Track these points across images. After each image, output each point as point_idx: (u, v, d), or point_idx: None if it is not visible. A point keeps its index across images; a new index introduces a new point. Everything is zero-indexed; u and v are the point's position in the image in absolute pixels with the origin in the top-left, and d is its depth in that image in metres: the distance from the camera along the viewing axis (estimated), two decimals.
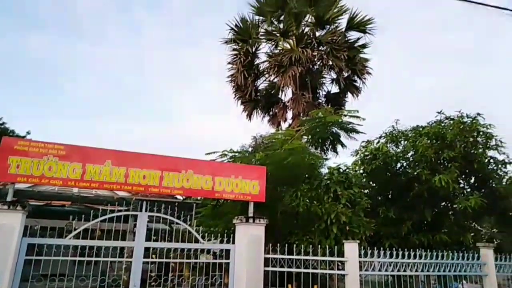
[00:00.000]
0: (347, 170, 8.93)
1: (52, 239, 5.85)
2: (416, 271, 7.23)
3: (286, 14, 14.17)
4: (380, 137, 10.59)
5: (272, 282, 6.69)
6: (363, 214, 8.21)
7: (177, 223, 6.69)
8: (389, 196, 10.37)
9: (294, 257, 6.75)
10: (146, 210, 6.39)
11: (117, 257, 6.21)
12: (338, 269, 6.86)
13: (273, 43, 14.84)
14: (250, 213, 6.93)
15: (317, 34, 14.49)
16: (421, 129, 10.15)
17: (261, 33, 14.92)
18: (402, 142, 10.42)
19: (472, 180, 10.25)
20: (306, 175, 8.93)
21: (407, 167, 10.03)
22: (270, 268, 6.66)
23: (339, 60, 13.58)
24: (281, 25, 14.62)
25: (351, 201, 8.16)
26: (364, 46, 14.51)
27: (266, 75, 15.37)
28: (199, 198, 9.73)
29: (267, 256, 6.72)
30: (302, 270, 6.69)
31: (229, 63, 15.17)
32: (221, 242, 6.77)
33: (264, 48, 15.16)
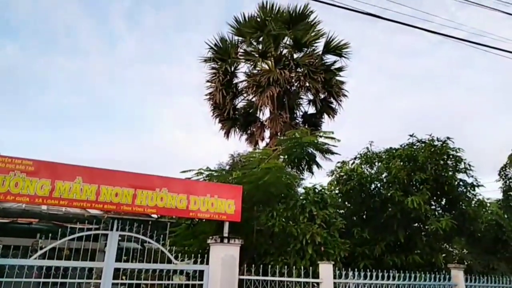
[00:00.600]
0: (323, 190, 9.00)
1: (14, 259, 5.54)
2: None
3: (265, 35, 14.45)
4: (355, 158, 10.80)
5: None
6: (338, 234, 8.24)
7: (149, 243, 6.51)
8: (364, 216, 10.49)
9: (269, 278, 6.66)
10: (117, 229, 6.17)
11: (85, 278, 5.94)
12: None
13: (251, 63, 15.06)
14: (225, 233, 6.83)
15: (295, 56, 14.82)
16: (394, 151, 10.42)
17: (240, 53, 15.14)
18: (376, 163, 10.65)
19: (443, 202, 10.54)
20: (282, 195, 8.93)
21: (381, 188, 10.22)
22: None
23: (316, 82, 13.89)
24: (260, 46, 14.89)
25: (326, 222, 8.19)
26: (340, 69, 14.93)
27: (245, 94, 15.52)
28: (173, 217, 9.52)
29: (242, 277, 6.59)
30: None
31: (207, 81, 15.27)
32: (195, 262, 6.61)
33: (243, 68, 15.39)
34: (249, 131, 15.79)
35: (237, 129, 15.82)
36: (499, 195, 14.29)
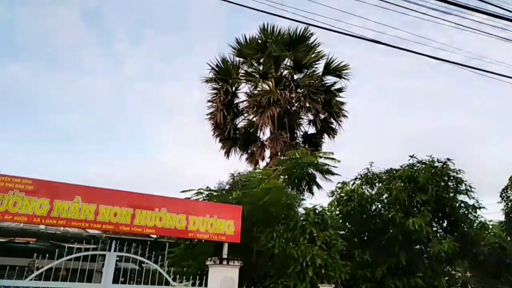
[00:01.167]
0: (323, 211, 8.93)
1: (10, 280, 5.47)
2: None
3: (265, 57, 14.67)
4: (355, 179, 10.75)
5: None
6: (339, 256, 8.12)
7: (147, 263, 6.42)
8: (365, 238, 10.37)
9: None
10: (115, 250, 6.11)
11: None
12: None
13: (252, 83, 15.23)
14: (224, 254, 6.76)
15: (295, 77, 15.00)
16: (394, 172, 10.39)
17: (241, 74, 15.34)
18: (377, 184, 10.60)
19: (445, 224, 10.44)
20: (283, 216, 8.86)
21: (381, 209, 10.14)
22: None
23: (316, 103, 14.00)
24: (261, 67, 15.09)
25: (327, 243, 8.09)
26: (340, 90, 15.09)
27: (245, 114, 15.64)
28: (172, 237, 9.42)
29: None
30: None
31: (209, 101, 15.42)
32: (193, 284, 6.50)
33: (244, 88, 15.57)
34: (249, 151, 15.81)
35: (237, 149, 15.85)
36: (501, 217, 14.17)
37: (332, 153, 10.49)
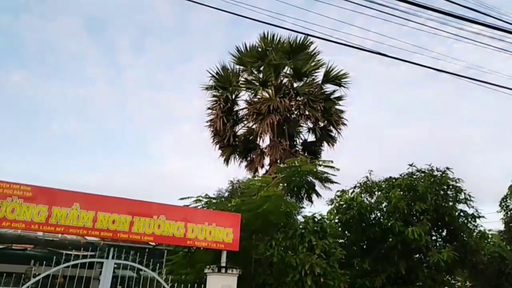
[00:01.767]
0: (322, 219, 8.90)
1: (6, 287, 5.44)
2: None
3: (265, 65, 14.75)
4: (354, 187, 10.72)
5: None
6: (338, 265, 8.07)
7: (145, 271, 6.39)
8: (364, 246, 10.32)
9: None
10: (113, 257, 6.10)
11: None
12: None
13: (252, 91, 15.28)
14: (223, 262, 6.73)
15: (295, 85, 15.06)
16: (394, 180, 10.37)
17: (241, 82, 15.40)
18: (376, 192, 10.57)
19: (444, 233, 10.39)
20: (282, 224, 8.83)
21: (381, 218, 10.10)
22: None
23: (315, 111, 14.04)
24: (261, 75, 15.16)
25: (326, 252, 8.05)
26: (339, 98, 15.14)
27: (245, 122, 15.66)
28: (171, 244, 9.38)
29: None
30: None
31: (208, 108, 15.46)
32: None
33: (244, 96, 15.62)
34: (249, 158, 15.81)
35: (237, 156, 15.85)
36: (501, 226, 14.12)
37: (332, 161, 10.51)
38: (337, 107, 15.07)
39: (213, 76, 15.27)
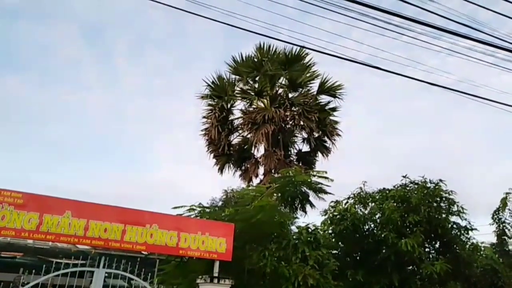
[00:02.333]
0: (316, 230, 8.89)
1: None
2: None
3: (261, 75, 14.85)
4: (348, 198, 10.73)
5: None
6: (331, 276, 8.04)
7: (136, 280, 6.32)
8: (358, 258, 10.29)
9: None
10: (104, 266, 6.03)
11: None
12: None
13: (247, 101, 15.35)
14: (216, 273, 6.67)
15: (290, 95, 15.16)
16: (387, 192, 10.40)
17: (236, 91, 15.47)
18: (370, 204, 10.59)
19: (437, 245, 10.40)
20: (275, 234, 8.79)
21: (374, 229, 10.10)
22: None
23: (310, 121, 14.12)
24: (256, 85, 15.25)
25: (319, 263, 8.01)
26: (334, 109, 15.25)
27: (240, 131, 15.69)
28: (163, 254, 9.29)
29: None
30: None
31: (204, 117, 15.50)
32: None
33: (239, 105, 15.68)
34: (243, 167, 15.80)
35: (231, 165, 15.84)
36: (493, 239, 14.15)
37: (326, 172, 10.52)
38: (331, 117, 15.16)
39: (209, 85, 15.33)
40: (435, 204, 9.75)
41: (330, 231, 10.15)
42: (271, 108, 14.19)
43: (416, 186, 10.20)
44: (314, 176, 10.64)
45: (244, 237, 8.26)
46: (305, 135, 15.43)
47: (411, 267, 9.87)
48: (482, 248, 10.61)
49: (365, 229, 10.24)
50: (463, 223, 10.07)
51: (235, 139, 15.88)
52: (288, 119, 14.73)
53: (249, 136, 15.01)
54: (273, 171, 13.70)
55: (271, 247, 8.18)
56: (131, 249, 6.37)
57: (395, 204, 9.82)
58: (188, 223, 7.13)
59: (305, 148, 15.73)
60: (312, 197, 11.37)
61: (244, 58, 15.46)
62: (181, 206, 8.91)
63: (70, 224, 5.83)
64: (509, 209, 13.33)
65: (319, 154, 15.53)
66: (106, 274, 6.06)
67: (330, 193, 11.04)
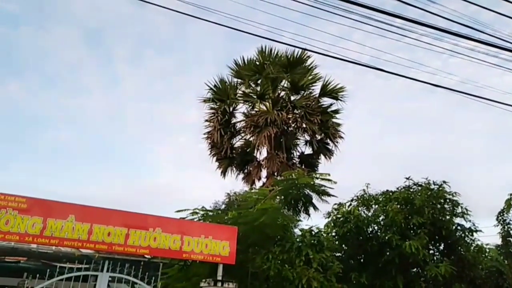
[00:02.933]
0: (320, 232, 8.87)
1: None
2: None
3: (263, 78, 14.88)
4: (351, 200, 10.70)
5: None
6: (335, 279, 8.01)
7: (140, 285, 6.31)
8: (361, 260, 10.24)
9: None
10: (107, 270, 6.03)
11: None
12: None
13: (250, 104, 15.38)
14: (219, 276, 6.66)
15: (292, 98, 15.17)
16: (391, 193, 10.35)
17: (238, 94, 15.50)
18: (373, 206, 10.55)
19: (442, 247, 10.33)
20: (278, 237, 8.78)
21: (378, 231, 10.05)
22: None
23: (312, 124, 14.11)
24: (258, 88, 15.28)
25: (323, 265, 7.99)
26: (336, 111, 15.25)
27: (242, 134, 15.72)
28: (166, 257, 9.29)
29: None
30: None
31: (206, 120, 15.52)
32: None
33: (241, 108, 15.71)
34: (246, 170, 15.81)
35: (234, 168, 15.85)
36: (498, 241, 14.06)
37: (329, 174, 10.51)
38: (334, 120, 15.16)
39: (211, 88, 15.37)
40: (439, 206, 9.69)
41: (333, 234, 10.11)
42: (273, 111, 14.21)
43: (419, 188, 10.16)
44: (317, 178, 10.63)
45: (247, 240, 8.25)
46: (308, 138, 15.43)
47: (415, 269, 9.81)
48: (487, 250, 10.54)
49: (369, 232, 10.19)
50: (467, 225, 10.01)
51: (238, 142, 15.93)
52: (290, 121, 14.73)
53: (251, 139, 15.02)
54: (275, 174, 13.69)
55: (275, 250, 8.17)
56: (135, 253, 6.38)
57: (398, 206, 9.78)
58: (191, 226, 7.13)
59: (308, 150, 15.75)
60: (315, 199, 11.36)
61: (246, 61, 15.50)
62: (184, 210, 8.92)
63: (73, 228, 5.84)
64: None
65: (322, 156, 15.52)
66: (110, 278, 6.06)
67: (333, 196, 11.04)
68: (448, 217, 9.76)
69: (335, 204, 10.87)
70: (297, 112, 14.71)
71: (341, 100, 15.12)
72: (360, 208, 10.35)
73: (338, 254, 9.91)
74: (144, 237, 6.29)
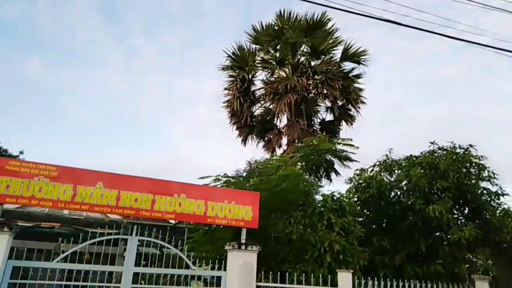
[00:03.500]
0: (341, 198, 8.91)
1: (38, 262, 5.69)
2: None
3: (282, 43, 14.52)
4: (374, 166, 10.62)
5: None
6: (357, 242, 8.11)
7: (167, 248, 6.56)
8: (383, 225, 10.29)
9: (287, 285, 6.62)
10: (136, 234, 6.27)
11: (105, 282, 6.03)
12: None
13: (269, 71, 15.13)
14: (243, 240, 6.83)
15: (313, 63, 14.81)
16: (414, 158, 10.20)
17: (257, 61, 15.23)
18: (396, 171, 10.45)
19: (466, 211, 10.23)
20: (300, 202, 8.88)
21: (401, 196, 10.01)
22: None
23: (333, 89, 13.82)
24: (277, 54, 14.96)
25: (344, 229, 8.08)
26: (358, 76, 14.84)
27: (262, 102, 15.59)
28: (191, 222, 9.58)
29: (259, 284, 6.58)
30: None
31: (225, 89, 15.42)
32: (212, 268, 6.63)
33: (261, 76, 15.47)
34: (266, 138, 15.82)
35: (254, 136, 15.87)
36: None
37: (351, 139, 10.38)
38: (355, 85, 14.78)
39: (229, 56, 15.15)
40: (464, 170, 9.50)
41: (355, 199, 10.14)
42: (293, 77, 13.95)
43: (444, 152, 9.95)
44: (339, 144, 10.54)
45: (269, 206, 8.38)
46: (329, 104, 15.20)
47: (438, 233, 9.80)
48: None
49: (391, 197, 10.17)
50: (493, 189, 9.80)
51: (258, 110, 15.84)
52: (310, 87, 14.47)
53: (271, 106, 14.91)
54: (296, 141, 13.64)
55: (297, 215, 8.29)
56: (161, 218, 6.60)
57: (422, 170, 9.64)
58: (215, 192, 7.26)
59: (329, 117, 15.55)
60: (337, 165, 11.34)
61: (264, 26, 15.11)
62: (207, 177, 9.08)
63: (102, 194, 6.06)
64: None
65: (343, 123, 15.31)
66: (138, 243, 6.31)
67: (355, 161, 10.97)
68: (473, 181, 9.58)
69: (356, 169, 10.84)
70: (317, 77, 14.40)
71: (363, 64, 14.67)
72: (382, 174, 10.28)
73: (360, 219, 9.97)
74: (169, 202, 6.48)
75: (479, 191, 9.71)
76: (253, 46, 15.34)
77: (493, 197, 9.80)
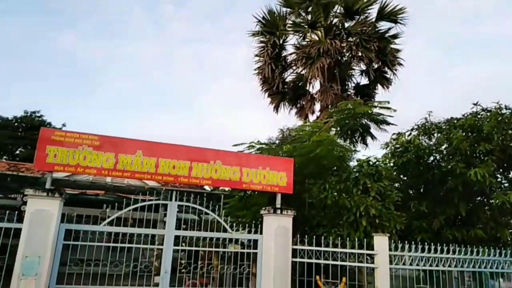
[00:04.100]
0: (377, 163, 8.75)
1: (87, 225, 6.11)
2: (449, 266, 7.01)
3: (314, 5, 13.94)
4: (412, 130, 10.26)
5: (300, 273, 6.69)
6: (394, 207, 8.02)
7: (205, 213, 6.81)
8: (421, 189, 10.06)
9: (322, 248, 6.72)
10: (176, 200, 6.54)
11: (149, 244, 6.41)
12: (367, 263, 6.76)
13: (300, 34, 14.67)
14: (278, 204, 6.95)
15: (346, 25, 14.17)
16: (455, 121, 9.74)
17: (288, 25, 14.76)
18: (435, 134, 10.05)
19: (511, 175, 9.77)
20: (335, 168, 8.82)
21: (440, 160, 9.68)
22: (298, 259, 6.67)
23: (369, 51, 13.25)
24: (309, 17, 14.40)
25: (381, 194, 7.99)
26: (395, 36, 14.10)
27: (294, 67, 15.24)
28: (226, 189, 9.82)
29: (295, 247, 6.73)
30: (330, 262, 6.65)
31: (256, 55, 15.15)
32: (249, 232, 6.84)
33: (292, 40, 15.03)
34: (298, 105, 15.61)
35: (286, 103, 15.68)
36: None
37: (388, 102, 10.03)
38: (392, 46, 14.08)
39: (259, 21, 14.76)
40: (510, 132, 8.98)
41: (392, 164, 9.92)
42: (326, 40, 13.46)
43: (488, 113, 9.40)
44: (375, 107, 10.23)
45: (304, 171, 8.40)
46: (363, 67, 14.63)
47: (480, 197, 9.48)
48: None
49: (430, 161, 9.85)
50: None
51: (289, 76, 15.53)
52: (344, 50, 13.93)
53: (303, 72, 14.54)
54: (329, 106, 13.35)
55: (331, 180, 8.27)
56: (198, 184, 6.80)
57: (464, 133, 9.22)
58: (249, 159, 7.34)
59: (364, 81, 15.00)
60: (373, 129, 11.06)
61: None
62: (241, 144, 9.20)
63: (142, 162, 6.30)
64: None
65: (379, 86, 14.75)
66: (178, 209, 6.58)
67: (393, 124, 10.64)
68: None
69: (393, 134, 10.52)
70: (351, 39, 13.80)
71: (400, 23, 13.86)
72: (420, 137, 9.93)
73: (396, 184, 9.79)
74: (206, 169, 6.64)
75: None
76: (284, 9, 14.84)
77: None
